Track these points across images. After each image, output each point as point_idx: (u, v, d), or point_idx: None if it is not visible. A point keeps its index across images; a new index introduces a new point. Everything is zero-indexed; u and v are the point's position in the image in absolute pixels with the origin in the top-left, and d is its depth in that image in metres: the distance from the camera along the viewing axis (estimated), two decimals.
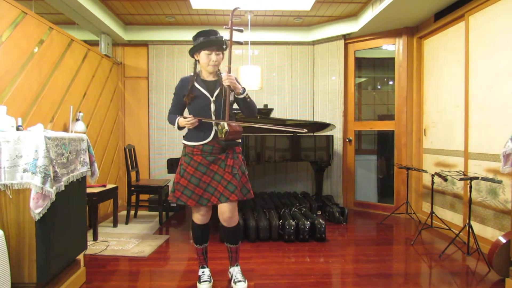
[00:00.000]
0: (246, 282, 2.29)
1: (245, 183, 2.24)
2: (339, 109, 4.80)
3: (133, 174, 4.19)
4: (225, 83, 2.07)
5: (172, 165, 3.53)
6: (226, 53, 2.18)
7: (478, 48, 3.17)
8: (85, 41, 4.15)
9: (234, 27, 2.11)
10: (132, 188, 3.97)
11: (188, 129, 2.21)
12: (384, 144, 5.04)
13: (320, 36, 4.85)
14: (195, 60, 2.27)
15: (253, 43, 4.91)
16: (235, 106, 2.32)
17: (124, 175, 4.91)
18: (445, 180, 3.17)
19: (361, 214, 4.55)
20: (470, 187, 2.86)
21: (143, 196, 4.63)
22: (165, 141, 5.03)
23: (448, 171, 3.37)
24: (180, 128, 2.23)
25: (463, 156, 3.34)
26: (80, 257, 2.39)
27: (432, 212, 3.50)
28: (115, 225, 3.82)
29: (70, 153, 2.10)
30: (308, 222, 3.32)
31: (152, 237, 3.49)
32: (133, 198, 4.23)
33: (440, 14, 3.74)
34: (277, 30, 4.94)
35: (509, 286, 2.27)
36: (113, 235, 3.53)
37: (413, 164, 4.28)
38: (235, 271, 2.33)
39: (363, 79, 5.31)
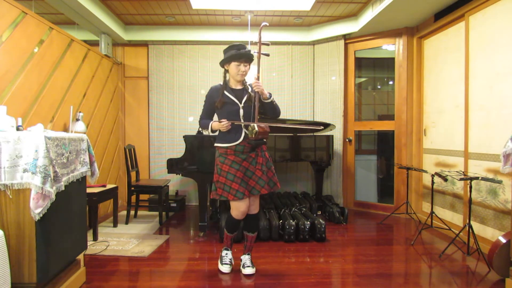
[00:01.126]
0: (254, 269, 2.57)
1: (271, 177, 2.51)
2: (339, 109, 4.80)
3: (133, 174, 4.19)
4: (256, 89, 2.35)
5: (172, 165, 3.53)
6: (254, 63, 2.46)
7: (478, 48, 3.16)
8: (85, 41, 4.15)
9: (262, 42, 2.38)
10: (132, 188, 3.96)
11: (220, 133, 2.49)
12: (384, 144, 5.04)
13: (320, 36, 4.85)
14: (225, 70, 2.53)
15: (253, 43, 4.91)
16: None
17: (124, 175, 4.91)
18: (445, 180, 3.17)
19: (361, 214, 4.55)
20: (470, 187, 2.86)
21: (143, 196, 4.63)
22: (165, 141, 5.03)
23: (448, 171, 3.37)
24: (213, 131, 2.50)
25: (463, 156, 3.34)
26: (80, 257, 2.39)
27: (432, 212, 3.50)
28: (115, 225, 3.82)
29: (70, 153, 2.10)
30: (308, 222, 3.32)
31: (152, 237, 3.49)
32: (133, 198, 4.23)
33: (440, 14, 3.74)
34: (277, 30, 4.95)
35: (509, 286, 2.27)
36: (113, 235, 3.53)
37: (413, 164, 4.28)
38: (246, 258, 2.61)
39: (363, 79, 5.31)
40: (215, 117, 2.57)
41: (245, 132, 2.42)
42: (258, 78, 2.36)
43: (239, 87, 2.52)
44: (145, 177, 5.01)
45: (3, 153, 1.79)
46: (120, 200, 4.85)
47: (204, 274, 2.57)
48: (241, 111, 2.46)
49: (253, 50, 2.44)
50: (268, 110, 2.51)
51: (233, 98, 2.46)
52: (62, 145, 2.01)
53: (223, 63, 2.50)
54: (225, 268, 2.57)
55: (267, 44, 2.43)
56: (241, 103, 2.46)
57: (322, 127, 2.39)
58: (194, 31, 4.91)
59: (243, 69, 2.44)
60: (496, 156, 2.90)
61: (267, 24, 2.48)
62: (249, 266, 2.55)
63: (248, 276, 2.51)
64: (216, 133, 2.54)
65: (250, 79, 2.58)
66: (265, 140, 2.43)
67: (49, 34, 3.26)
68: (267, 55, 2.47)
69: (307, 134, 4.27)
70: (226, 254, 2.63)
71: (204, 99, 2.57)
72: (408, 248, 3.20)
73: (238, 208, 2.44)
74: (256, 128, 2.28)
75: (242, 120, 2.44)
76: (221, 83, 2.52)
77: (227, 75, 2.52)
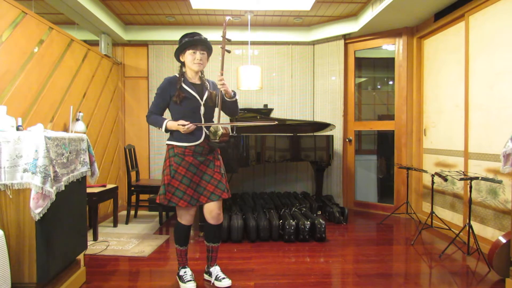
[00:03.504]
0: (230, 280, 2.36)
1: (225, 183, 2.33)
2: (339, 109, 4.80)
3: (133, 174, 4.19)
4: (221, 87, 2.19)
5: None
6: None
7: (478, 48, 3.16)
8: (85, 41, 4.16)
9: (226, 37, 2.21)
10: (132, 188, 3.96)
11: (177, 130, 2.22)
12: (384, 144, 5.04)
13: (320, 36, 4.85)
14: (181, 62, 2.33)
15: (253, 43, 4.92)
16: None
17: (124, 175, 4.91)
18: (445, 180, 3.17)
19: (361, 214, 4.55)
20: (470, 187, 2.86)
21: (143, 196, 4.62)
22: (165, 141, 5.00)
23: (448, 171, 3.37)
24: (167, 130, 2.25)
25: (463, 156, 3.34)
26: (80, 257, 2.39)
27: (432, 212, 3.50)
28: (115, 225, 3.82)
29: (70, 153, 2.10)
30: (308, 222, 3.32)
31: (152, 237, 3.49)
32: (133, 198, 4.23)
33: (440, 14, 3.74)
34: (277, 30, 4.94)
35: (509, 286, 2.27)
36: (113, 235, 3.53)
37: (413, 164, 4.28)
38: (216, 270, 2.40)
39: (363, 79, 5.31)
40: (166, 115, 2.31)
41: (205, 133, 2.24)
42: (222, 75, 2.18)
43: (197, 81, 2.30)
44: (145, 177, 5.01)
45: (3, 153, 1.79)
46: (120, 200, 4.85)
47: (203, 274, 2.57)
48: (202, 109, 2.25)
49: (222, 46, 2.22)
50: (228, 109, 2.33)
51: (193, 93, 2.23)
52: (62, 145, 2.01)
53: (177, 54, 2.28)
54: (190, 285, 2.27)
55: (229, 40, 2.22)
56: (202, 100, 2.25)
57: (276, 122, 2.20)
58: (194, 31, 4.89)
59: (199, 56, 2.22)
60: (496, 156, 2.90)
61: (231, 18, 2.31)
62: (224, 278, 2.34)
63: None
64: (167, 133, 2.31)
65: (209, 74, 2.34)
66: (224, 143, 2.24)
67: (49, 34, 3.26)
68: (228, 51, 2.24)
69: (307, 134, 4.27)
70: (185, 272, 2.35)
71: (156, 91, 2.27)
72: (408, 248, 3.20)
73: (189, 213, 2.27)
74: (222, 130, 2.13)
75: (202, 119, 2.25)
76: (177, 75, 2.28)
77: (183, 68, 2.31)
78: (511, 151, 2.23)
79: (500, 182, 2.83)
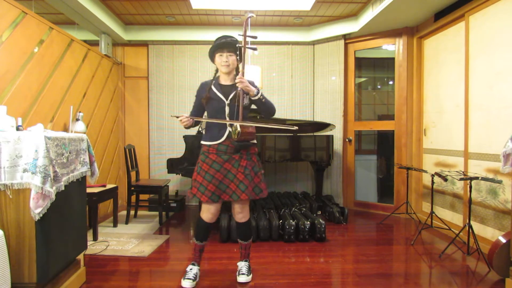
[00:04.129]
0: (250, 276, 2.42)
1: (257, 183, 2.33)
2: (339, 109, 4.80)
3: (133, 174, 4.19)
4: (239, 85, 2.19)
5: (172, 165, 3.53)
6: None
7: (478, 48, 3.16)
8: (85, 41, 4.15)
9: (247, 35, 2.21)
10: (132, 188, 3.96)
11: (206, 130, 2.36)
12: (384, 144, 5.04)
13: (320, 36, 4.85)
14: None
15: (253, 43, 4.90)
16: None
17: (124, 175, 4.91)
18: (445, 180, 3.17)
19: (361, 214, 4.55)
20: (470, 187, 2.86)
21: (143, 196, 4.63)
22: (165, 141, 5.03)
23: (448, 171, 3.37)
24: (188, 127, 2.32)
25: (463, 156, 3.34)
26: (80, 257, 2.39)
27: (432, 212, 3.50)
28: (115, 225, 3.82)
29: (70, 153, 2.10)
30: (308, 222, 3.32)
31: (152, 237, 3.49)
32: (133, 198, 4.23)
33: (440, 14, 3.74)
34: (277, 30, 4.94)
35: (509, 286, 2.27)
36: (113, 235, 3.53)
37: (413, 164, 4.28)
38: (242, 265, 2.48)
39: (363, 79, 5.30)
40: (205, 115, 2.44)
41: (229, 131, 2.27)
42: (243, 74, 2.20)
43: (228, 82, 2.36)
44: (145, 177, 5.01)
45: (3, 153, 1.79)
46: (120, 200, 4.85)
47: (204, 274, 2.57)
48: (227, 109, 2.28)
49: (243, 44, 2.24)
50: (258, 108, 2.35)
51: (219, 94, 2.30)
52: (62, 145, 2.01)
53: (211, 58, 2.38)
54: (185, 283, 2.28)
55: (254, 37, 2.23)
56: (227, 100, 2.28)
57: (296, 128, 2.18)
58: (194, 31, 4.91)
59: (225, 59, 2.28)
60: (496, 156, 2.90)
61: (254, 16, 2.27)
62: (244, 274, 2.40)
63: (242, 284, 2.39)
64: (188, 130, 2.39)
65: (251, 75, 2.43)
66: (253, 141, 2.31)
67: (49, 34, 3.26)
68: (254, 49, 2.27)
69: (307, 134, 4.27)
70: (191, 269, 2.37)
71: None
72: (408, 248, 3.20)
73: (209, 210, 2.31)
74: (239, 128, 2.13)
75: (227, 119, 2.28)
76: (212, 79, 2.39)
77: (218, 71, 2.39)
78: (511, 151, 2.23)
79: (500, 182, 2.83)
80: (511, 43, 2.78)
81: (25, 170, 1.79)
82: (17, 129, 2.25)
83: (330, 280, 2.51)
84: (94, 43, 4.45)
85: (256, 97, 2.26)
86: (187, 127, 2.31)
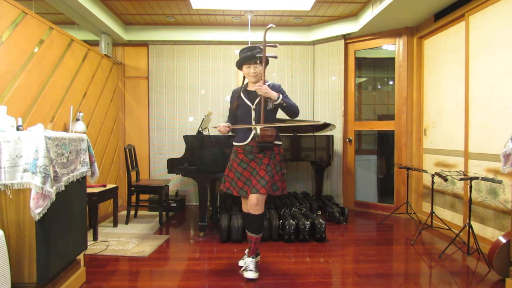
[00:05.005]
0: (257, 274, 2.46)
1: (277, 181, 2.52)
2: (339, 109, 4.80)
3: (133, 174, 4.19)
4: (259, 92, 2.44)
5: (172, 165, 3.52)
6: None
7: (478, 48, 3.16)
8: (85, 41, 4.15)
9: (268, 44, 2.44)
10: (132, 188, 3.96)
11: (236, 132, 2.67)
12: (384, 144, 5.04)
13: (320, 36, 4.85)
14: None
15: (253, 43, 4.91)
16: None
17: (124, 175, 4.91)
18: (445, 180, 3.17)
19: (361, 214, 4.55)
20: (470, 187, 2.86)
21: (143, 196, 4.63)
22: (165, 141, 5.03)
23: (448, 171, 3.37)
24: (226, 133, 2.61)
25: (463, 156, 3.34)
26: (80, 257, 2.39)
27: (432, 212, 3.50)
28: (115, 225, 3.82)
29: (70, 153, 2.10)
30: (308, 222, 3.32)
31: (152, 237, 3.49)
32: (133, 198, 4.23)
33: (440, 14, 3.74)
34: (277, 30, 4.94)
35: (509, 286, 2.27)
36: (113, 235, 3.53)
37: (413, 164, 4.28)
38: (249, 261, 2.53)
39: (363, 79, 5.30)
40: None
41: (253, 134, 2.52)
42: (263, 82, 2.44)
43: (255, 89, 2.57)
44: (145, 177, 5.01)
45: (3, 153, 1.79)
46: (120, 200, 4.85)
47: (204, 274, 2.57)
48: (253, 113, 2.54)
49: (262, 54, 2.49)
50: (283, 111, 2.56)
51: (246, 100, 2.57)
52: (62, 145, 2.01)
53: (239, 68, 2.64)
54: (249, 274, 2.44)
55: (275, 46, 2.45)
56: (253, 105, 2.54)
57: (321, 122, 2.37)
58: (194, 31, 4.91)
59: (253, 70, 2.53)
60: (496, 156, 2.90)
61: (274, 26, 2.51)
62: (251, 270, 2.45)
63: (248, 280, 2.43)
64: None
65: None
66: (277, 142, 2.54)
67: (49, 34, 3.26)
68: (275, 57, 2.54)
69: (307, 134, 4.27)
70: (251, 261, 2.52)
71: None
72: (408, 248, 3.20)
73: (243, 203, 2.66)
74: (258, 132, 2.40)
75: (253, 122, 2.53)
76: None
77: (246, 78, 2.65)
78: (511, 151, 2.23)
79: (500, 182, 2.83)
80: (511, 43, 2.78)
81: (25, 170, 1.79)
82: (17, 129, 2.25)
83: (330, 280, 2.51)
84: (94, 43, 4.45)
85: (277, 102, 2.47)
86: (225, 134, 2.67)
